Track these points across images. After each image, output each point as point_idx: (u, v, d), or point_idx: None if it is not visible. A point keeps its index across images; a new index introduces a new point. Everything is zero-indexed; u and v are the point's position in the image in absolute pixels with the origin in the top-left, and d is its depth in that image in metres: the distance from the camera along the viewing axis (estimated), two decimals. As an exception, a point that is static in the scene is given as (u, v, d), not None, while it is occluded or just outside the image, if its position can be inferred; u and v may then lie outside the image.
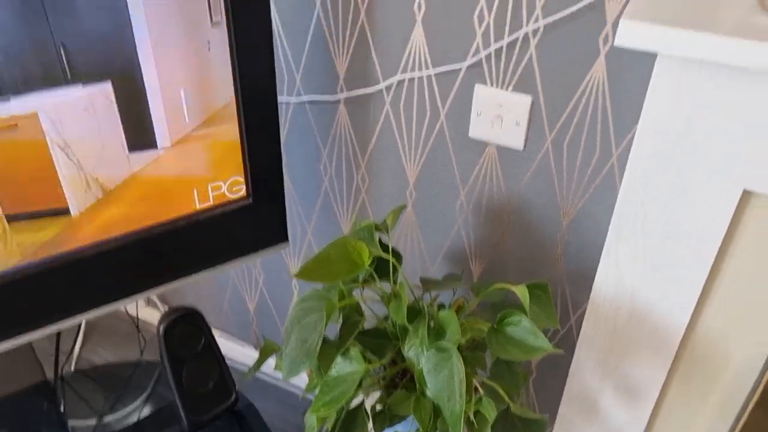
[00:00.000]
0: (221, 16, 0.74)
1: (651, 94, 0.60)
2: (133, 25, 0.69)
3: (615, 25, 0.73)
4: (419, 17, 0.83)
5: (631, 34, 0.55)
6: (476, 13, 0.79)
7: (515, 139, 0.85)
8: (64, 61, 0.67)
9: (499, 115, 0.84)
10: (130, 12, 0.68)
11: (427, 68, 0.86)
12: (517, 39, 0.78)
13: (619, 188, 0.79)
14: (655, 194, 0.65)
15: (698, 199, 0.63)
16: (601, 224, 0.86)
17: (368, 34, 0.88)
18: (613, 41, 0.74)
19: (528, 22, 0.77)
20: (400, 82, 0.89)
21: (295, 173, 1.07)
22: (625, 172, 0.66)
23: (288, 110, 1.00)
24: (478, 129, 0.87)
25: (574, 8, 0.74)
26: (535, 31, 0.77)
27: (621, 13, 0.72)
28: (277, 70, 0.96)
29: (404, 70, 0.88)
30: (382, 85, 0.91)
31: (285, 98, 0.99)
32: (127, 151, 0.75)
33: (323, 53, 0.93)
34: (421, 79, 0.87)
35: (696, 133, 0.60)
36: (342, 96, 0.95)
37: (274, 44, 0.95)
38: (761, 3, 0.56)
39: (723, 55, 0.52)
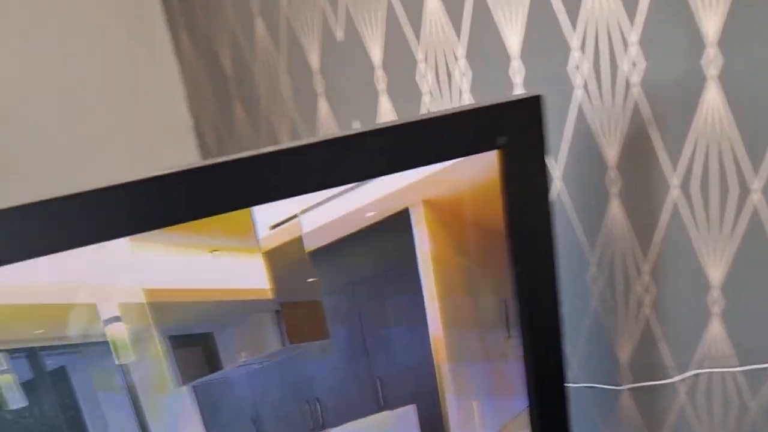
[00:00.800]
0: (517, 331, 0.75)
1: None
2: (432, 355, 0.73)
3: None
4: (716, 311, 0.78)
5: None
6: (789, 308, 0.73)
7: None
8: (380, 393, 0.72)
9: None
10: (431, 345, 0.72)
11: (730, 365, 0.79)
12: None
13: None
14: None
15: None
16: None
17: (654, 325, 0.84)
18: None
19: None
20: (697, 376, 0.82)
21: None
22: None
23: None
24: (803, 429, 0.76)
25: None
26: None
27: None
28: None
29: (702, 365, 0.81)
30: (675, 378, 0.84)
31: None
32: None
33: (601, 341, 0.90)
34: (723, 374, 0.80)
35: None
36: (626, 386, 0.90)
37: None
38: None
39: None
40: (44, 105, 1.51)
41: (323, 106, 1.09)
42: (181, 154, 1.55)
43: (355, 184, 0.62)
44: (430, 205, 0.67)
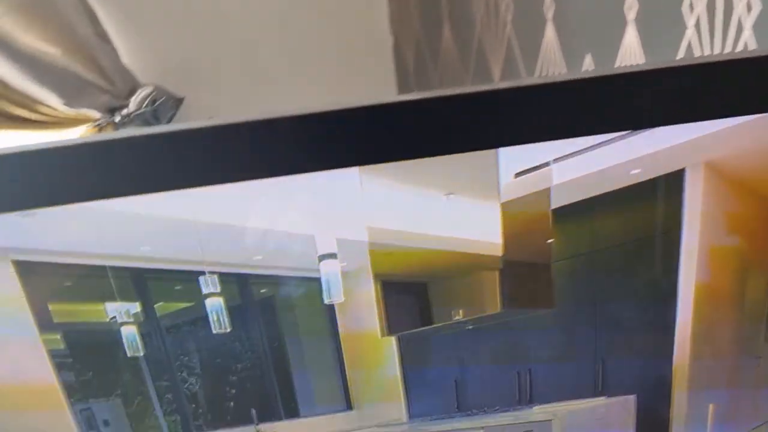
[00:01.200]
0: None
1: None
2: (674, 350, 0.61)
3: None
4: None
5: None
6: None
7: None
8: (600, 377, 0.62)
9: None
10: (675, 333, 0.60)
11: None
12: None
13: None
14: None
15: None
16: None
17: None
18: None
19: None
20: None
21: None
22: None
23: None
24: None
25: None
26: None
27: None
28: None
29: None
30: None
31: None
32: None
33: None
34: None
35: None
36: None
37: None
38: None
39: None
40: (249, 17, 1.51)
41: (550, 33, 0.96)
42: (376, 72, 1.48)
43: (626, 132, 0.51)
44: (712, 168, 0.54)
